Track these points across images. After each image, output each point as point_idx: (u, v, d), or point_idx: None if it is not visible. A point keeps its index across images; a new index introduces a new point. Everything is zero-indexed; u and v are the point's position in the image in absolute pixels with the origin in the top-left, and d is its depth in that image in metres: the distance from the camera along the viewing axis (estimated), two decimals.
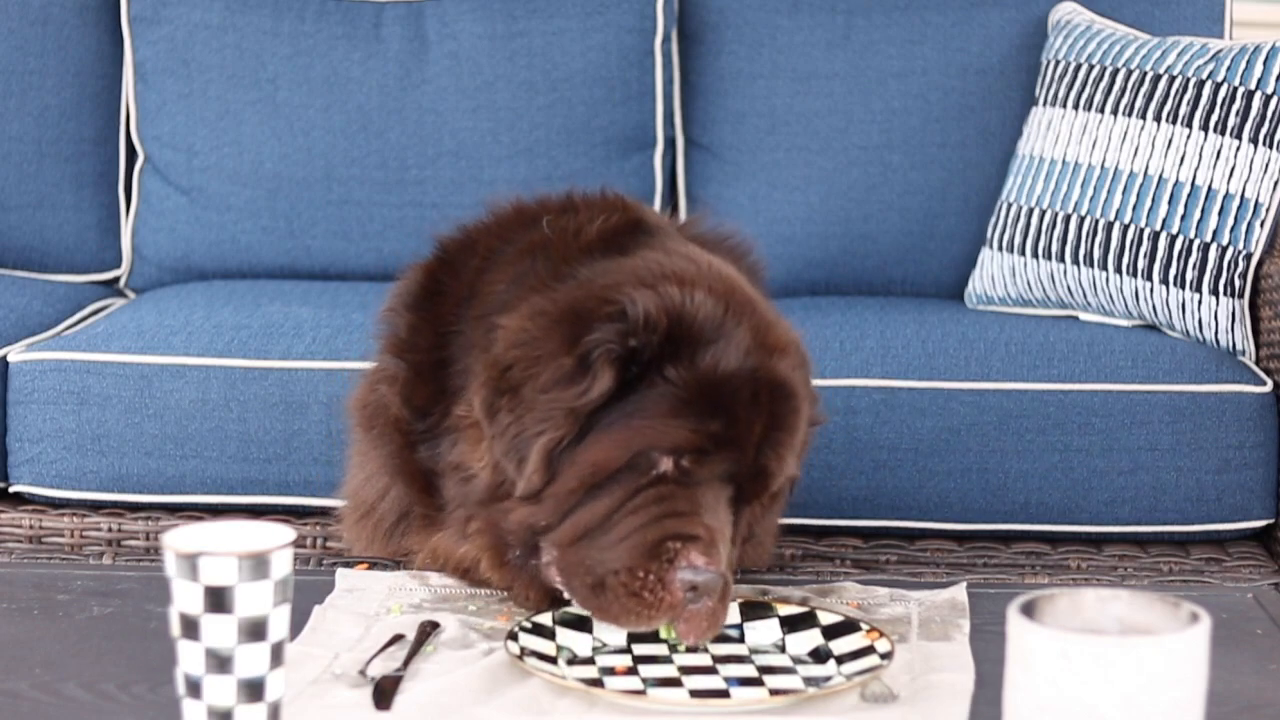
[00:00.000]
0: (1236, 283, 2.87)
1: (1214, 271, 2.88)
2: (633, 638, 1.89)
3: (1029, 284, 3.10)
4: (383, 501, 2.14)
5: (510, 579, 1.95)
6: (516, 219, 2.17)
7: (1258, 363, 2.90)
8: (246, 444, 2.82)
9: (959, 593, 2.05)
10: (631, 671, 1.81)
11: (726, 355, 1.85)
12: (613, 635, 1.89)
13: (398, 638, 1.87)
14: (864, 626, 1.87)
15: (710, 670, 1.82)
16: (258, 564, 1.48)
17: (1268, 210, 2.88)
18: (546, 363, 1.85)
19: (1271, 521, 2.80)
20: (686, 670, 1.82)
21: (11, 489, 2.89)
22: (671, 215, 3.16)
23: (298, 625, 1.85)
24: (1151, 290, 2.93)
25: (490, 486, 1.91)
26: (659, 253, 1.99)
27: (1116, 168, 3.00)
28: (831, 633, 1.88)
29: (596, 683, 1.77)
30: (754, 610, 1.93)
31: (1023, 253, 3.10)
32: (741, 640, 1.90)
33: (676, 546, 1.79)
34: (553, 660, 1.81)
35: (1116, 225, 2.97)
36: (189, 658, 1.49)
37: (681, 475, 1.83)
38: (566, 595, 1.89)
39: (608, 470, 1.83)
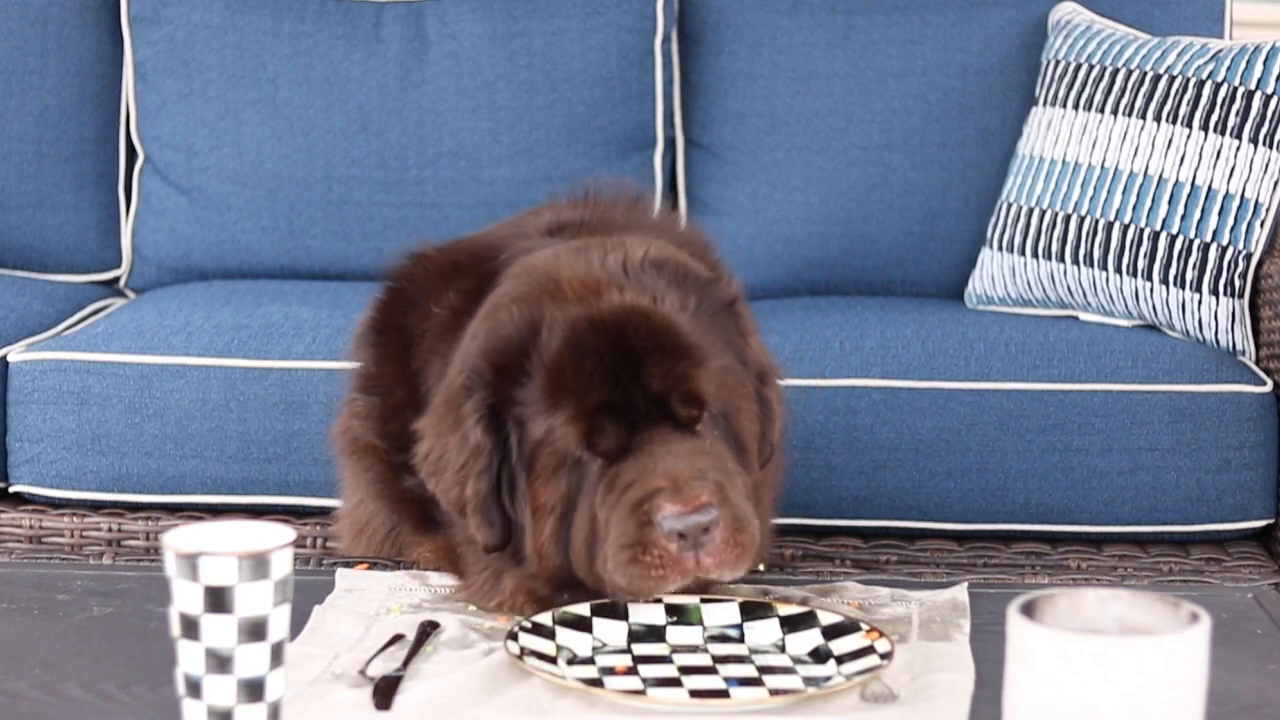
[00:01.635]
0: (1236, 283, 2.87)
1: (1214, 271, 2.88)
2: (633, 637, 1.89)
3: (1029, 284, 3.10)
4: (373, 521, 2.22)
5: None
6: (440, 270, 2.19)
7: (1258, 363, 2.90)
8: (246, 444, 2.82)
9: (960, 593, 2.04)
10: (631, 671, 1.81)
11: (546, 344, 1.87)
12: (612, 635, 1.89)
13: (398, 638, 1.87)
14: (864, 626, 1.87)
15: (710, 670, 1.82)
16: (258, 564, 1.48)
17: (1268, 210, 2.88)
18: (447, 445, 1.94)
19: (1271, 521, 2.80)
20: (686, 670, 1.82)
21: (11, 489, 2.89)
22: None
23: (298, 625, 1.85)
24: (1151, 290, 2.93)
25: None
26: (494, 293, 2.01)
27: (1116, 168, 3.00)
28: (831, 633, 1.88)
29: (596, 683, 1.77)
30: (754, 610, 1.93)
31: (1023, 253, 3.10)
32: (741, 640, 1.90)
33: (646, 508, 1.80)
34: (553, 660, 1.81)
35: (1116, 225, 2.97)
36: (189, 658, 1.49)
37: (606, 455, 1.85)
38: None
39: (557, 501, 1.88)
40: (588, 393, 1.84)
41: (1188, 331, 2.92)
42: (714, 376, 1.89)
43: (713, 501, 1.80)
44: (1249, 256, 2.88)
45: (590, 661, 1.84)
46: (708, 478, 1.82)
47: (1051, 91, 3.17)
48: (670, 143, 3.46)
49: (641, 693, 1.75)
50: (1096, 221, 3.00)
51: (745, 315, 2.00)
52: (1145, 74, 3.02)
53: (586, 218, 2.25)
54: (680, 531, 1.79)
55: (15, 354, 2.90)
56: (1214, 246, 2.89)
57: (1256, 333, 2.91)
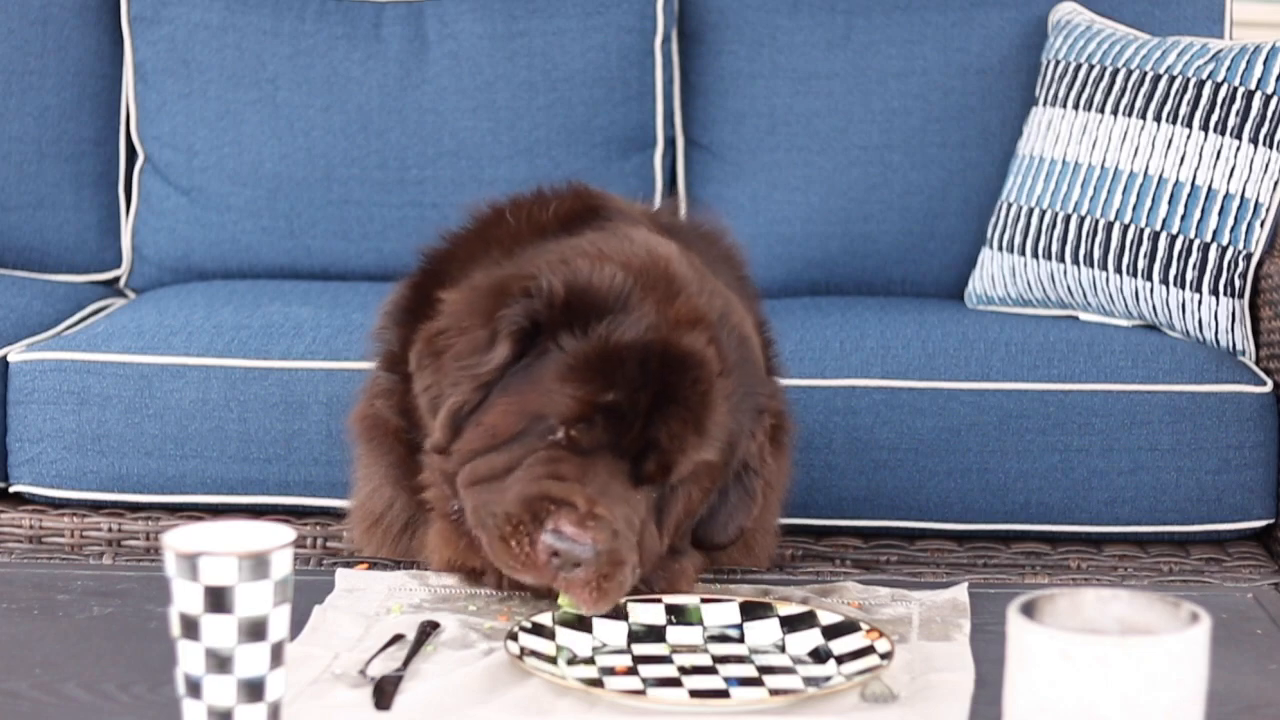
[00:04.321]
0: (1236, 283, 2.87)
1: (1214, 271, 2.88)
2: (633, 638, 1.89)
3: (1029, 284, 3.10)
4: (390, 510, 2.18)
5: (460, 549, 1.99)
6: (494, 220, 2.22)
7: (1258, 363, 2.90)
8: (246, 444, 2.82)
9: (960, 593, 2.04)
10: (631, 671, 1.81)
11: (623, 327, 1.89)
12: (613, 635, 1.89)
13: (398, 638, 1.87)
14: (864, 626, 1.87)
15: (710, 670, 1.82)
16: (258, 564, 1.48)
17: (1268, 210, 2.88)
18: (466, 333, 1.95)
19: (1271, 521, 2.80)
20: (686, 670, 1.82)
21: (11, 489, 2.89)
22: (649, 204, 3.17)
23: (298, 625, 1.85)
24: (1151, 290, 2.93)
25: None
26: (604, 234, 2.04)
27: (1116, 168, 3.00)
28: (831, 633, 1.88)
29: (596, 683, 1.77)
30: (754, 610, 1.93)
31: (1023, 253, 3.10)
32: (741, 640, 1.90)
33: (549, 508, 1.83)
34: (553, 660, 1.81)
35: (1116, 225, 2.97)
36: (189, 658, 1.49)
37: (572, 443, 1.87)
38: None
39: (505, 433, 1.90)
40: (608, 393, 1.86)
41: (1188, 331, 2.92)
42: (696, 466, 1.92)
43: (599, 546, 1.82)
44: (1249, 256, 2.88)
45: (590, 661, 1.84)
46: (614, 527, 1.84)
47: (1051, 91, 3.17)
48: (670, 143, 3.46)
49: (641, 693, 1.75)
50: (1096, 221, 3.00)
51: (767, 424, 2.02)
52: (1145, 74, 3.03)
53: (681, 228, 2.28)
54: (556, 550, 1.82)
55: (15, 354, 2.90)
56: (1214, 246, 2.89)
57: (1256, 333, 2.91)
